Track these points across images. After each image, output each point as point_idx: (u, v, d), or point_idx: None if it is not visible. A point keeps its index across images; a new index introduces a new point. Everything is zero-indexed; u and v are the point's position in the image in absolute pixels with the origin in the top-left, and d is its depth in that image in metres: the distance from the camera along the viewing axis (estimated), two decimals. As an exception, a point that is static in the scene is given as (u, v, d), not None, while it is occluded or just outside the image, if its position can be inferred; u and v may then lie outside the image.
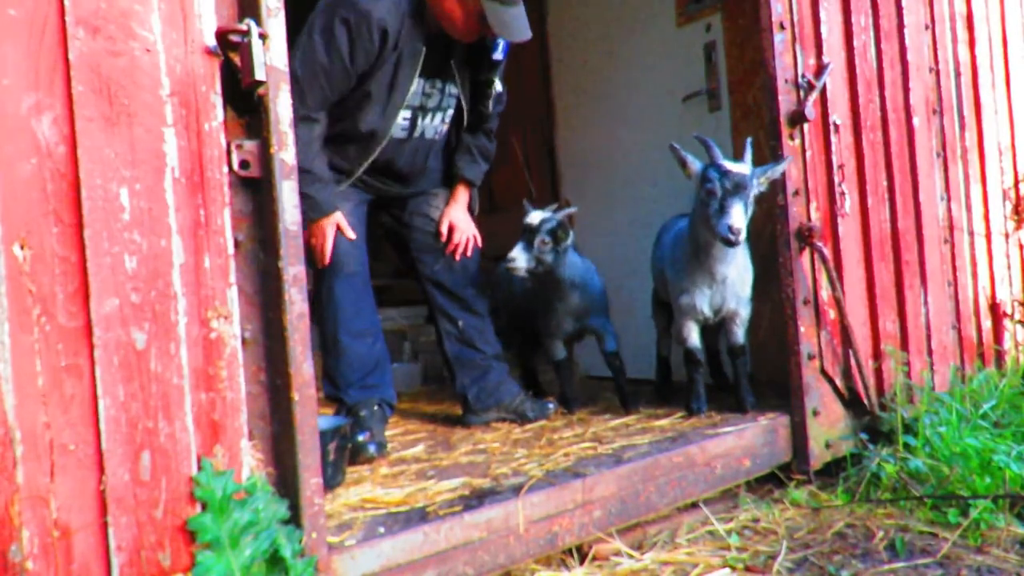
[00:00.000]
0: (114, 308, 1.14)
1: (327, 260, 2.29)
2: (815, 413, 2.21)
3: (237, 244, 1.31)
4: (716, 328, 2.63)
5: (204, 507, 1.20)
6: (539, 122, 4.02)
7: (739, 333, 2.43)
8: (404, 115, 2.33)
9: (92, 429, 1.12)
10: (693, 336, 2.45)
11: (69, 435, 1.10)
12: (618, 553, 1.76)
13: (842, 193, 2.33)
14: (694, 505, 2.02)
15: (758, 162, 2.88)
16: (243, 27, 1.24)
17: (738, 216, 2.04)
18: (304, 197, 2.02)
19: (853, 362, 2.27)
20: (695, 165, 2.22)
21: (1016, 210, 3.16)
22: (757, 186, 2.13)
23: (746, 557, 1.76)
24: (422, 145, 2.45)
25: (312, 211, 2.22)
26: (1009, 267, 3.10)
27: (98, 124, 1.14)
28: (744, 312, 2.41)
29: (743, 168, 2.12)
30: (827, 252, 2.22)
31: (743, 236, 2.05)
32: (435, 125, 2.45)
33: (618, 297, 3.47)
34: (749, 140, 2.24)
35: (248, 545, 1.20)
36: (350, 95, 2.23)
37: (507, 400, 2.56)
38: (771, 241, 2.31)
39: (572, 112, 3.80)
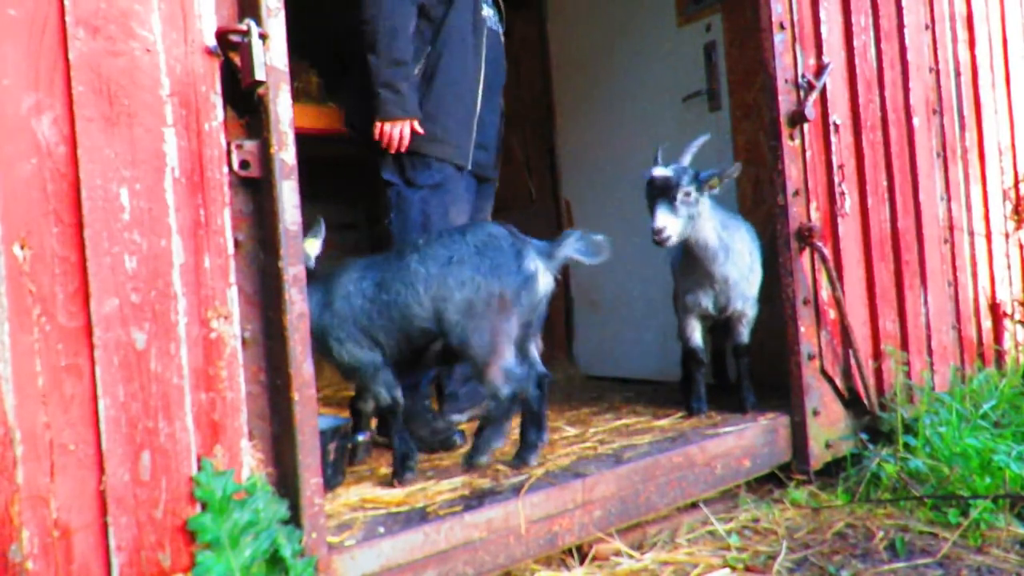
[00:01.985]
0: (114, 308, 1.14)
1: (407, 144, 2.29)
2: (815, 413, 2.21)
3: (237, 244, 1.31)
4: (722, 328, 2.64)
5: (204, 507, 1.21)
6: (539, 122, 4.02)
7: (744, 333, 2.43)
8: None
9: (92, 429, 1.12)
10: (695, 336, 2.47)
11: (69, 435, 1.10)
12: (618, 553, 1.76)
13: (842, 193, 2.33)
14: (694, 505, 2.02)
15: (758, 162, 2.90)
16: (243, 27, 1.24)
17: (661, 218, 2.13)
18: (395, 91, 2.21)
19: (853, 362, 2.26)
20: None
21: (1016, 210, 3.16)
22: (688, 184, 2.16)
23: (746, 557, 1.76)
24: (499, 48, 2.57)
25: (400, 109, 2.23)
26: (1009, 267, 3.10)
27: (98, 124, 1.14)
28: (751, 312, 2.41)
29: (667, 171, 2.17)
30: (827, 252, 2.21)
31: (667, 235, 2.12)
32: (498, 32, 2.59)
33: (620, 297, 3.48)
34: (659, 149, 2.31)
35: (248, 545, 1.20)
36: None
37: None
38: (771, 241, 2.31)
39: (572, 112, 3.80)
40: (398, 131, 2.26)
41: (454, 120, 2.39)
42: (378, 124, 2.26)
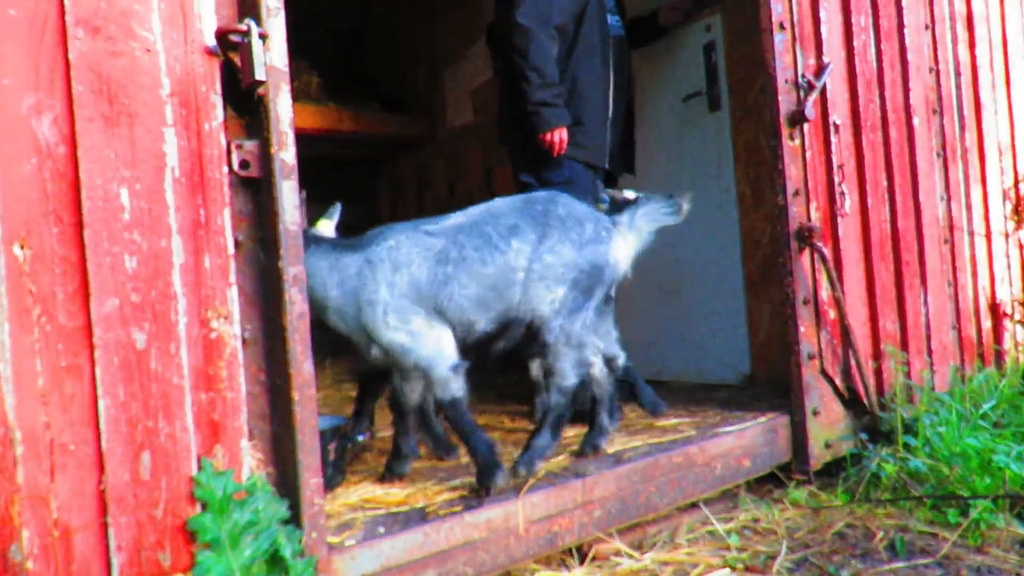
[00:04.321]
0: (114, 308, 1.14)
1: (565, 147, 2.57)
2: (815, 413, 2.21)
3: (237, 244, 1.31)
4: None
5: (204, 507, 1.21)
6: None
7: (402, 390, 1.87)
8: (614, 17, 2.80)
9: (92, 429, 1.12)
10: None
11: (69, 435, 1.10)
12: (618, 553, 1.76)
13: (842, 193, 2.33)
14: (694, 505, 2.02)
15: (758, 162, 2.89)
16: (243, 27, 1.24)
17: None
18: (551, 106, 2.53)
19: (853, 362, 2.26)
20: None
21: (1016, 210, 3.16)
22: None
23: (746, 557, 1.76)
24: (624, 53, 2.81)
25: (558, 119, 2.53)
26: (1009, 267, 3.10)
27: (98, 124, 1.14)
28: (404, 361, 1.77)
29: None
30: (827, 252, 2.21)
31: None
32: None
33: (620, 297, 3.47)
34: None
35: (248, 545, 1.20)
36: None
37: None
38: (771, 242, 2.31)
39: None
40: (558, 136, 2.55)
41: (592, 126, 2.65)
42: (541, 136, 2.54)
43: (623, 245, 1.90)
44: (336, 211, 2.02)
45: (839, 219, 2.31)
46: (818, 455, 2.21)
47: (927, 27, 2.75)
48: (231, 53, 1.28)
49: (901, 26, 2.59)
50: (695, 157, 3.14)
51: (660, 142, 3.29)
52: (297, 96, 4.03)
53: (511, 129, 2.72)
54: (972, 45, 3.00)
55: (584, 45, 2.66)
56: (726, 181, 3.00)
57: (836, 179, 2.32)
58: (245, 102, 1.32)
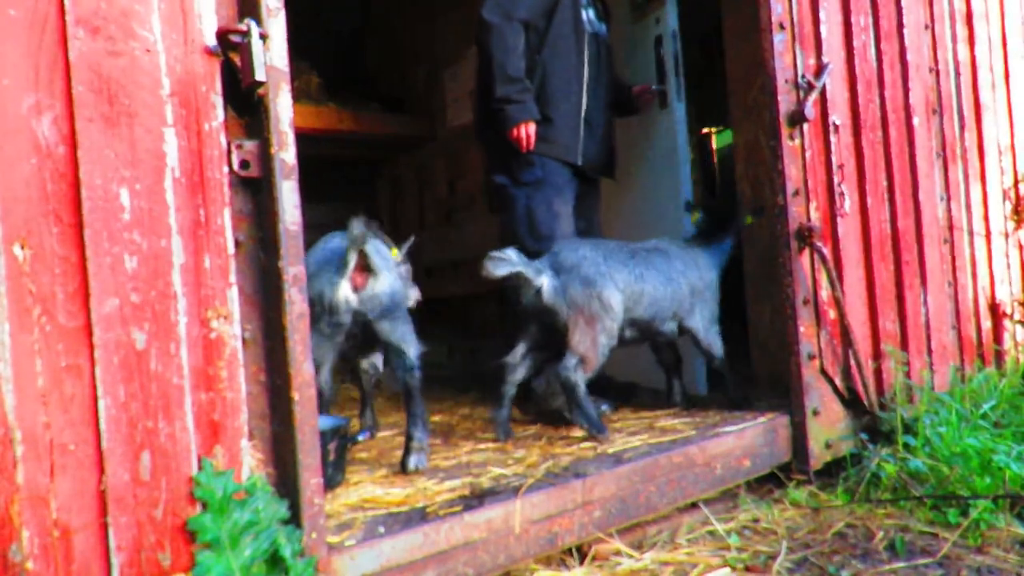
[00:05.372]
0: (114, 308, 1.14)
1: (533, 143, 2.57)
2: (815, 413, 2.21)
3: (237, 244, 1.31)
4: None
5: (204, 507, 1.21)
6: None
7: None
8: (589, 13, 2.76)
9: (92, 429, 1.12)
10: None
11: (69, 435, 1.10)
12: (618, 553, 1.76)
13: (841, 193, 2.33)
14: (694, 505, 2.02)
15: (758, 162, 2.89)
16: (243, 27, 1.24)
17: None
18: (514, 102, 2.52)
19: (853, 362, 2.27)
20: None
21: (1016, 210, 3.16)
22: None
23: (746, 557, 1.76)
24: (602, 50, 2.77)
25: (523, 114, 2.53)
26: (1009, 267, 3.11)
27: (98, 124, 1.14)
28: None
29: None
30: (827, 252, 2.21)
31: None
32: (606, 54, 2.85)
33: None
34: None
35: (248, 545, 1.20)
36: None
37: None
38: (771, 241, 2.31)
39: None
40: (524, 131, 2.54)
41: (562, 121, 2.62)
42: (507, 132, 2.54)
43: (344, 284, 1.91)
44: (408, 244, 2.35)
45: (839, 219, 2.31)
46: (818, 455, 2.21)
47: (927, 27, 2.76)
48: (231, 53, 1.28)
49: (901, 26, 2.59)
50: (653, 155, 3.12)
51: (624, 141, 3.26)
52: (297, 96, 4.03)
53: (484, 128, 2.70)
54: (972, 44, 3.01)
55: (555, 40, 2.63)
56: (677, 180, 2.96)
57: (836, 179, 2.32)
58: (245, 102, 1.32)
